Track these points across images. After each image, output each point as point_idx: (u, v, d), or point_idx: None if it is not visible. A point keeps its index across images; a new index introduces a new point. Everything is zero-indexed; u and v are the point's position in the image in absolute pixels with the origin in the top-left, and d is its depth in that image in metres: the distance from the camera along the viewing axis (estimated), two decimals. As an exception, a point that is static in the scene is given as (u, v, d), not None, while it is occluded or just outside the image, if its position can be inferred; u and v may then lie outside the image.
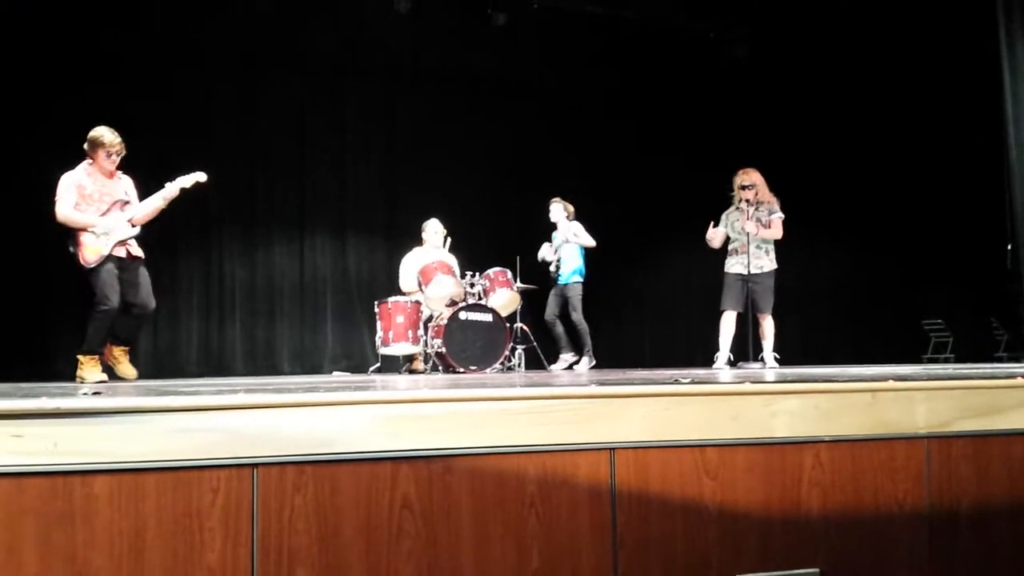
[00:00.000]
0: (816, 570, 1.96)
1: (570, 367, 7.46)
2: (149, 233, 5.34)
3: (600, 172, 9.52)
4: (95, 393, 1.85)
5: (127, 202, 5.12)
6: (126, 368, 5.20)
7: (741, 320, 6.24)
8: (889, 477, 2.05)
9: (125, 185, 5.19)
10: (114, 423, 1.60)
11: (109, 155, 5.03)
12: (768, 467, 1.97)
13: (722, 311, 6.23)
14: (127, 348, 5.26)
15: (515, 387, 1.98)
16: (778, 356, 6.25)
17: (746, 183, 6.23)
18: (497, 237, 8.22)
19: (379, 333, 6.88)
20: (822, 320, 9.77)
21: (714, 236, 6.35)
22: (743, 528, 1.94)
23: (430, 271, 6.81)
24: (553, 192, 7.80)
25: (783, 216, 6.22)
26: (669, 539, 1.89)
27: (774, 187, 6.35)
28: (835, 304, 10.00)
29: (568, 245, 7.47)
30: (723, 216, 6.41)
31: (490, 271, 7.09)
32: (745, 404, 1.97)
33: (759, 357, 6.22)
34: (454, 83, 9.20)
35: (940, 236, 9.51)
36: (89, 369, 4.99)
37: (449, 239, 7.45)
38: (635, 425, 1.88)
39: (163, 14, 7.89)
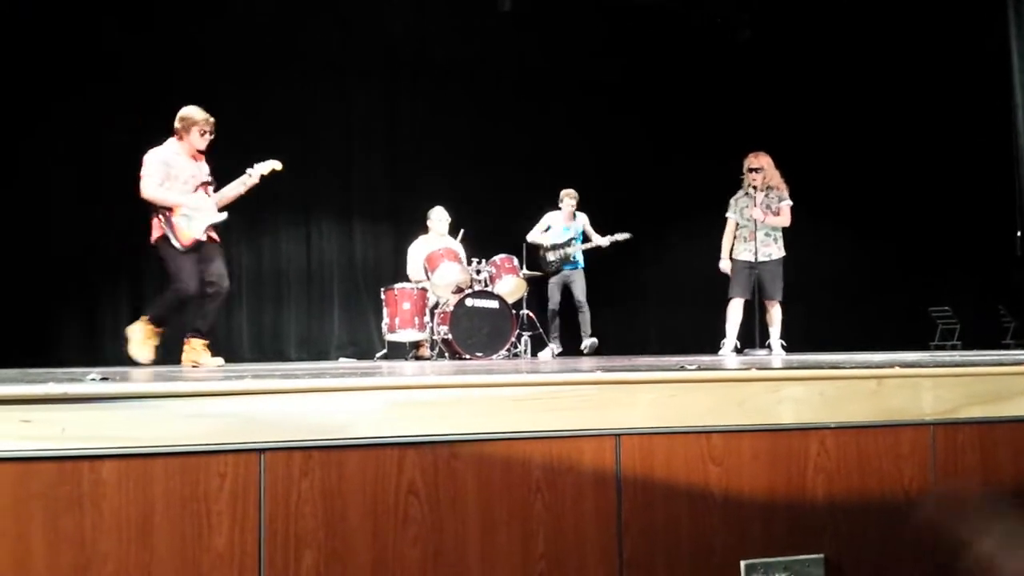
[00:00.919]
0: (821, 556, 1.96)
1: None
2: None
3: (606, 159, 9.49)
4: (103, 378, 1.86)
5: (212, 184, 4.97)
6: (207, 360, 4.94)
7: (748, 307, 6.24)
8: (894, 464, 2.05)
9: (207, 169, 5.06)
10: (122, 408, 1.60)
11: (203, 133, 4.87)
12: (773, 453, 1.97)
13: (730, 298, 6.23)
14: (206, 342, 5.00)
15: (521, 373, 1.98)
16: (784, 343, 6.24)
17: (754, 166, 6.21)
18: (503, 224, 8.21)
19: (385, 319, 6.89)
20: (828, 307, 9.74)
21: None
22: (748, 514, 1.94)
23: (436, 258, 6.82)
24: (558, 178, 7.79)
25: (792, 203, 6.20)
26: (674, 525, 1.89)
27: (780, 174, 6.33)
28: (841, 291, 9.98)
29: (578, 235, 7.52)
30: (731, 202, 6.39)
31: (496, 258, 7.10)
32: (751, 390, 1.97)
33: (765, 344, 6.21)
34: (458, 69, 9.18)
35: (947, 222, 9.48)
36: (143, 339, 4.86)
37: (461, 231, 7.43)
38: (641, 411, 1.88)
39: (163, 14, 7.86)
